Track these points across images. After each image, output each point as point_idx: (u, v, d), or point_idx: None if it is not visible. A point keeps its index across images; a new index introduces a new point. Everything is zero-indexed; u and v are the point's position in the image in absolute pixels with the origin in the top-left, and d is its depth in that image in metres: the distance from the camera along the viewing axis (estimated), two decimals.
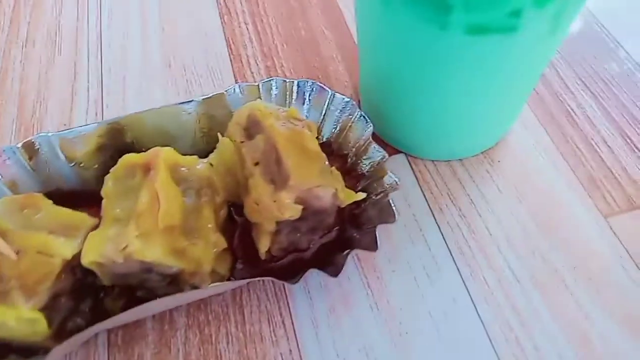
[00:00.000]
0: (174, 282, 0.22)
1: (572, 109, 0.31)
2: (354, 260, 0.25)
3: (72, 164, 0.25)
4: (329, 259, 0.23)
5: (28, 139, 0.25)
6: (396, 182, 0.24)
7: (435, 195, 0.27)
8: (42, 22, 0.37)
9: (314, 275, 0.24)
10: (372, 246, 0.22)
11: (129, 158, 0.23)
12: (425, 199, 0.27)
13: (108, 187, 0.22)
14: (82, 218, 0.22)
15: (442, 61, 0.22)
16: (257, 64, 0.34)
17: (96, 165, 0.26)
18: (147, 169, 0.22)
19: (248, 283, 0.24)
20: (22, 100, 0.32)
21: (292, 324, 0.23)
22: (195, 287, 0.22)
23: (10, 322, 0.19)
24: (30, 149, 0.25)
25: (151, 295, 0.22)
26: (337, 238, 0.25)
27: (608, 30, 0.35)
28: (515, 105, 0.27)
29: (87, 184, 0.25)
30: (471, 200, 0.27)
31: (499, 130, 0.28)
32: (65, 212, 0.22)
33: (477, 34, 0.20)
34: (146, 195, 0.21)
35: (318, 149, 0.23)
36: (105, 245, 0.20)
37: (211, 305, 0.24)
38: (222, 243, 0.22)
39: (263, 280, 0.24)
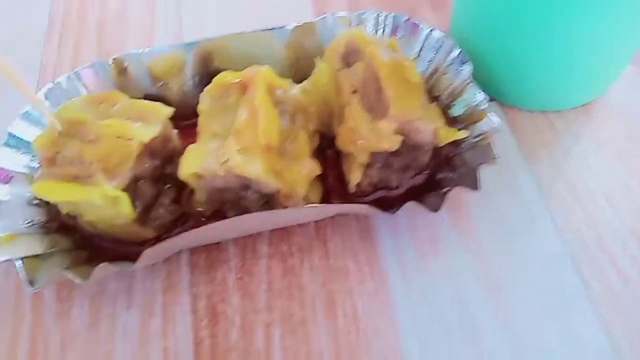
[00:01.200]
0: (269, 203, 0.21)
1: None
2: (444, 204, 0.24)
3: (160, 83, 0.25)
4: (421, 199, 0.22)
5: (118, 55, 0.24)
6: (497, 126, 0.22)
7: (529, 146, 0.25)
8: None
9: (401, 217, 0.23)
10: (474, 185, 0.21)
11: (224, 76, 0.22)
12: (520, 149, 0.25)
13: (204, 104, 0.21)
14: (158, 108, 0.22)
15: None
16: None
17: (182, 86, 0.25)
18: (243, 87, 0.21)
19: (333, 217, 0.23)
20: (102, 26, 0.32)
21: (379, 263, 0.22)
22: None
23: (96, 200, 0.19)
24: (119, 66, 0.24)
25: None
26: (427, 182, 0.23)
27: None
28: (626, 55, 0.24)
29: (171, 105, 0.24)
30: (568, 153, 0.25)
31: (603, 82, 0.26)
32: (142, 103, 0.22)
33: None
34: (245, 111, 0.20)
35: (420, 81, 0.22)
36: (206, 158, 0.19)
37: (295, 237, 0.23)
38: (317, 169, 0.21)
39: (350, 215, 0.23)
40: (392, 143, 0.20)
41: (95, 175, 0.19)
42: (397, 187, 0.23)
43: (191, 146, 0.20)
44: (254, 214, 0.20)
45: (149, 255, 0.19)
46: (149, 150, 0.21)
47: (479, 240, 0.23)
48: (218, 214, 0.22)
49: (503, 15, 0.23)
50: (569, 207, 0.24)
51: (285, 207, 0.20)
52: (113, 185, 0.19)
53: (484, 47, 0.25)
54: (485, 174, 0.23)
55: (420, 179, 0.23)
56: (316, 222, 0.23)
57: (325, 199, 0.23)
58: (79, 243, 0.22)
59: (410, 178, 0.23)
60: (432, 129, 0.21)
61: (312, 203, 0.21)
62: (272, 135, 0.20)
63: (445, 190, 0.21)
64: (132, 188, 0.20)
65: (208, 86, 0.22)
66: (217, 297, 0.21)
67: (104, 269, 0.19)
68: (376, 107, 0.21)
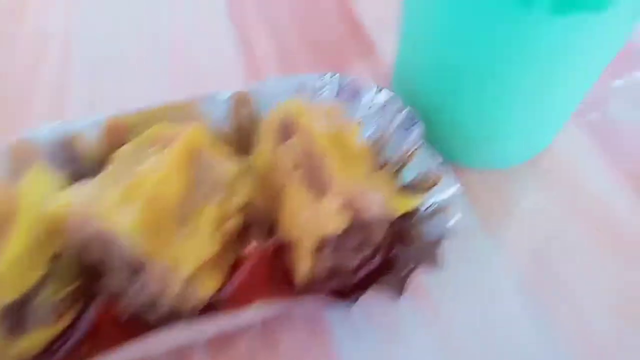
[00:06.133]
0: (135, 276, 0.17)
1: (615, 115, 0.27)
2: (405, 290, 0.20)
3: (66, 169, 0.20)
4: (381, 282, 0.18)
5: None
6: (457, 191, 0.19)
7: (486, 209, 0.23)
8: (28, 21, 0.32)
9: (356, 304, 0.19)
10: (433, 261, 0.18)
11: (157, 128, 0.18)
12: (476, 214, 0.23)
13: (123, 149, 0.18)
14: None
15: (515, 47, 0.17)
16: (273, 61, 0.29)
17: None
18: (172, 141, 0.17)
19: (279, 316, 0.19)
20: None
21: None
22: (154, 298, 0.17)
23: None
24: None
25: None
26: (388, 258, 0.20)
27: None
28: (576, 101, 0.22)
29: None
30: (529, 214, 0.23)
31: (552, 132, 0.24)
32: None
33: (563, 12, 0.16)
34: (149, 162, 0.16)
35: (364, 148, 0.19)
36: (78, 200, 0.15)
37: (239, 342, 0.19)
38: (210, 251, 0.17)
39: (302, 310, 0.19)
40: (338, 223, 0.17)
41: None
42: (356, 270, 0.19)
43: (74, 186, 0.17)
44: (187, 325, 0.16)
45: None
46: None
47: (440, 319, 0.19)
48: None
49: (448, 68, 0.20)
50: (537, 276, 0.21)
51: (157, 286, 0.16)
52: None
53: (431, 101, 0.23)
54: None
55: (381, 255, 0.20)
56: (263, 323, 0.19)
57: (273, 294, 0.19)
58: None
59: (367, 258, 0.19)
60: (380, 201, 0.17)
61: (197, 295, 0.17)
62: (168, 195, 0.16)
63: (405, 272, 0.18)
64: None
65: (139, 137, 0.18)
66: None
67: None
68: (318, 184, 0.17)
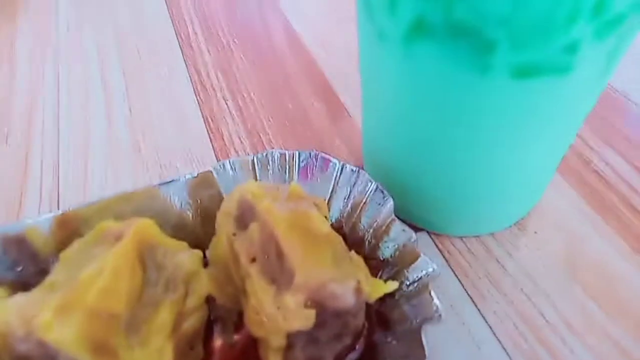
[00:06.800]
0: None
1: (600, 169, 0.26)
2: None
3: (19, 268, 0.19)
4: None
5: None
6: (433, 268, 0.18)
7: (472, 280, 0.21)
8: None
9: None
10: (419, 354, 0.16)
11: (105, 224, 0.17)
12: (462, 285, 0.21)
13: (70, 249, 0.16)
14: None
15: (478, 114, 0.17)
16: (242, 141, 0.28)
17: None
18: (119, 239, 0.16)
19: None
20: None
21: None
22: None
23: None
24: None
25: None
26: (370, 345, 0.18)
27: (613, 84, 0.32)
28: (554, 162, 0.21)
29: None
30: (515, 281, 0.21)
31: (535, 194, 0.23)
32: None
33: (524, 77, 0.15)
34: (94, 265, 0.14)
35: (329, 230, 0.17)
36: (14, 311, 0.14)
37: None
38: (167, 357, 0.15)
39: None
40: (304, 320, 0.15)
41: None
42: None
43: (15, 295, 0.15)
44: None
45: None
46: None
47: None
48: None
49: (414, 137, 0.19)
50: (532, 348, 0.19)
51: None
52: None
53: (402, 171, 0.21)
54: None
55: (360, 346, 0.18)
56: None
57: None
58: None
59: (348, 347, 0.17)
60: (351, 288, 0.16)
61: None
62: (116, 299, 0.15)
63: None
64: None
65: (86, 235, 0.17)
66: None
67: None
68: (279, 276, 0.16)
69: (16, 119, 0.30)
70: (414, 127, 0.19)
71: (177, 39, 0.36)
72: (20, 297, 0.15)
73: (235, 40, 0.36)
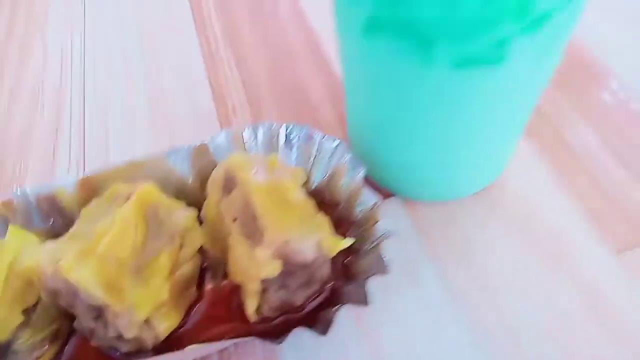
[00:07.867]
0: (100, 318, 0.19)
1: (570, 141, 0.28)
2: (347, 314, 0.22)
3: (50, 221, 0.23)
4: (321, 316, 0.20)
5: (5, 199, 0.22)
6: (388, 230, 0.20)
7: (432, 241, 0.24)
8: (25, 79, 0.35)
9: (307, 333, 0.21)
10: (363, 300, 0.19)
11: (117, 187, 0.21)
12: (422, 245, 0.24)
13: (88, 207, 0.20)
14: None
15: (427, 99, 0.19)
16: (243, 111, 0.31)
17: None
18: (127, 199, 0.20)
19: (236, 346, 0.21)
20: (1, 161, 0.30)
21: None
22: (119, 333, 0.19)
23: None
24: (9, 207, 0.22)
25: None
26: (333, 293, 0.21)
27: (597, 57, 0.32)
28: (510, 140, 0.23)
29: None
30: (472, 245, 0.24)
31: (495, 167, 0.25)
32: None
33: (463, 67, 0.17)
34: (107, 220, 0.18)
35: (300, 197, 0.20)
36: (43, 255, 0.18)
37: None
38: (164, 294, 0.19)
39: (248, 342, 0.21)
40: (271, 269, 0.18)
41: None
42: (305, 305, 0.21)
43: (46, 243, 0.19)
44: (155, 357, 0.18)
45: None
46: None
47: (385, 350, 0.20)
48: None
49: (380, 117, 0.22)
50: (477, 305, 0.22)
51: (115, 326, 0.18)
52: None
53: (376, 145, 0.24)
54: (390, 276, 0.21)
55: (325, 293, 0.21)
56: (220, 352, 0.21)
57: (231, 327, 0.21)
58: None
59: (318, 292, 0.21)
60: (312, 245, 0.19)
61: (155, 332, 0.19)
62: (121, 248, 0.18)
63: (335, 308, 0.19)
64: None
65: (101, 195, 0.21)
66: None
67: None
68: (255, 234, 0.19)
69: (50, 92, 0.34)
70: (378, 109, 0.21)
71: (192, 14, 0.39)
72: (50, 244, 0.19)
73: (245, 15, 0.38)
